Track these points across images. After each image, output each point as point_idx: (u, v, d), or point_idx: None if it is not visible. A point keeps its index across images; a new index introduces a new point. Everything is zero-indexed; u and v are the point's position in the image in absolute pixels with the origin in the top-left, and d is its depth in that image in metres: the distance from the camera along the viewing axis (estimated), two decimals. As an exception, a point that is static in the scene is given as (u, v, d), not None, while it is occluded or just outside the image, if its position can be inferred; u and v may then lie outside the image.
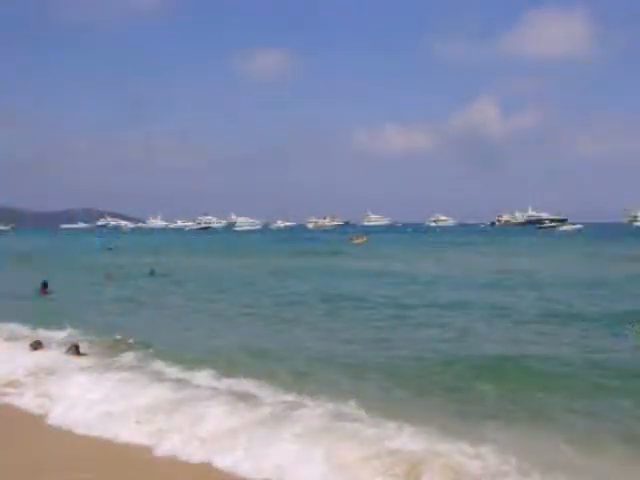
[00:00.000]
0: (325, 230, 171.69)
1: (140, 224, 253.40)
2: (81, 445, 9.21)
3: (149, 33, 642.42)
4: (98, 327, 16.82)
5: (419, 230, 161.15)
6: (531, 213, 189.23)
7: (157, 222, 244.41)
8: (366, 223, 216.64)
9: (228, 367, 12.34)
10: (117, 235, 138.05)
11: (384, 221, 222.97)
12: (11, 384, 11.99)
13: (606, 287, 27.87)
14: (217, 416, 9.25)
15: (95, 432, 9.50)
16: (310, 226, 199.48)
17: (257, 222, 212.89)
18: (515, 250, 63.15)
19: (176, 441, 8.81)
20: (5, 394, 11.54)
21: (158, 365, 12.75)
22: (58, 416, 10.24)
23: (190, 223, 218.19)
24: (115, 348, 14.66)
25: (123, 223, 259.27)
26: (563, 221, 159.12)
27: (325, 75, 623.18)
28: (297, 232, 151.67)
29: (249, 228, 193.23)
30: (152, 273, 35.93)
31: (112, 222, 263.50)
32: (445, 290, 27.60)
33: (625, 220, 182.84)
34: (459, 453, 7.57)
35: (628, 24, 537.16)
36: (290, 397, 10.26)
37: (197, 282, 32.47)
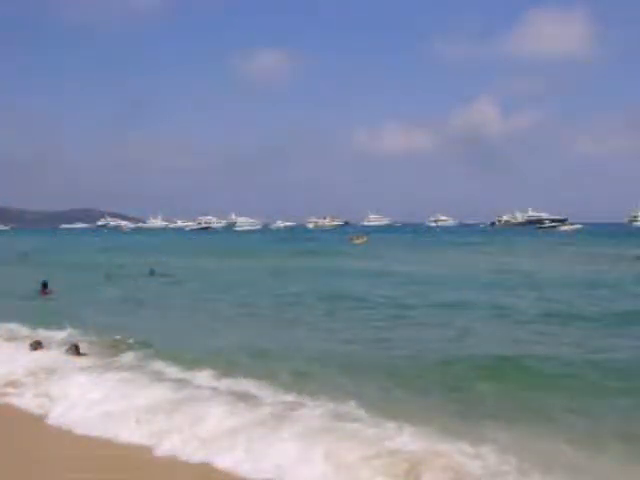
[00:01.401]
0: (325, 230, 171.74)
1: (140, 224, 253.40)
2: (81, 445, 9.21)
3: (149, 33, 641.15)
4: (98, 327, 16.80)
5: (419, 230, 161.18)
6: (531, 213, 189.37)
7: (157, 222, 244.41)
8: (366, 223, 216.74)
9: (228, 367, 12.33)
10: (116, 235, 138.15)
11: (384, 221, 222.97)
12: (11, 384, 11.98)
13: (606, 287, 27.89)
14: (217, 416, 9.24)
15: (95, 432, 9.49)
16: (310, 226, 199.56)
17: (257, 222, 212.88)
18: (515, 250, 63.17)
19: (176, 441, 8.81)
20: (5, 394, 11.54)
21: (158, 365, 12.73)
22: (58, 416, 10.24)
23: (190, 223, 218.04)
24: (115, 348, 14.66)
25: (123, 223, 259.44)
26: (563, 221, 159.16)
27: (325, 75, 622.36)
28: (297, 232, 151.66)
29: (249, 228, 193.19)
30: (152, 273, 35.92)
31: (112, 222, 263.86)
32: (445, 290, 27.60)
33: (625, 220, 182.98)
34: (459, 453, 7.57)
35: (628, 24, 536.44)
36: (290, 397, 10.25)
37: (197, 282, 32.48)
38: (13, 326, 17.51)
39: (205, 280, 33.52)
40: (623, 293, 25.99)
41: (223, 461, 8.17)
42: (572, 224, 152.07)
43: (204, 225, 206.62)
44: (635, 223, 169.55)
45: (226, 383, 11.26)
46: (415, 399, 10.69)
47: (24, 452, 8.94)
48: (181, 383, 11.17)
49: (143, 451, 8.78)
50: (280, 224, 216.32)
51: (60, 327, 16.54)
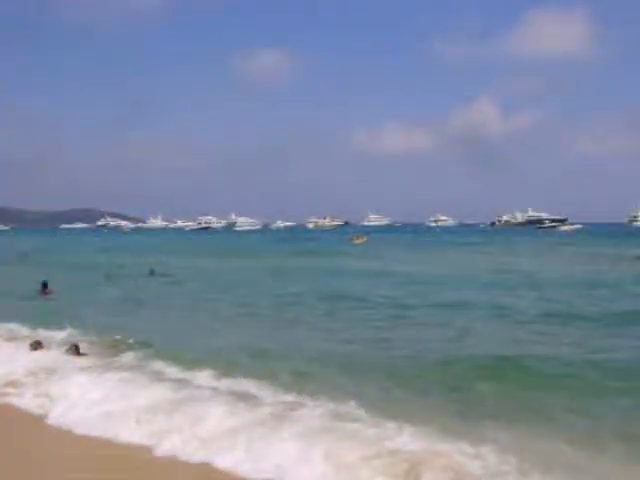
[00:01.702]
0: (325, 230, 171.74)
1: (140, 224, 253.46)
2: (81, 445, 9.21)
3: (149, 33, 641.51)
4: (98, 327, 16.81)
5: (419, 230, 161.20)
6: (531, 213, 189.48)
7: (157, 222, 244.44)
8: (366, 223, 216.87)
9: (228, 367, 12.33)
10: (116, 235, 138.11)
11: (384, 221, 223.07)
12: (11, 384, 11.98)
13: (606, 287, 27.89)
14: (217, 416, 9.25)
15: (95, 432, 9.49)
16: (310, 226, 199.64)
17: (257, 222, 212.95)
18: (515, 250, 63.17)
19: (176, 441, 8.81)
20: (5, 394, 11.54)
21: (158, 365, 12.73)
22: (58, 416, 10.24)
23: (190, 223, 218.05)
24: (115, 348, 14.66)
25: (123, 223, 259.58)
26: (563, 221, 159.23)
27: (325, 75, 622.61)
28: (297, 232, 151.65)
29: (249, 228, 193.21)
30: (152, 273, 35.91)
31: (112, 222, 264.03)
32: (445, 290, 27.60)
33: (625, 220, 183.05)
34: (459, 453, 7.57)
35: (628, 24, 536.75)
36: (290, 397, 10.25)
37: (197, 282, 32.47)
38: (13, 326, 17.51)
39: (205, 280, 33.51)
40: (623, 293, 25.99)
41: (223, 461, 8.17)
42: (572, 224, 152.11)
43: (204, 225, 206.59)
44: (635, 223, 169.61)
45: (226, 383, 11.25)
46: (415, 399, 10.69)
47: (24, 452, 8.94)
48: (181, 383, 11.17)
49: (143, 451, 8.78)
50: (280, 224, 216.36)
51: (60, 327, 16.54)
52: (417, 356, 14.03)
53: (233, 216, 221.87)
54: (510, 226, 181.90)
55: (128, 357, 13.63)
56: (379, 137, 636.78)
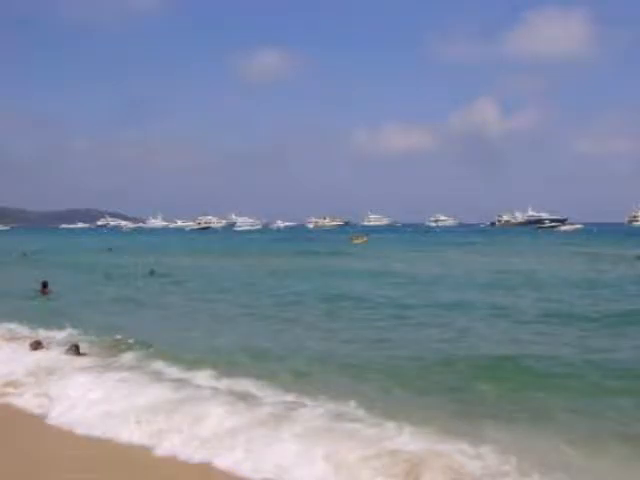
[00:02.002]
0: (325, 230, 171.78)
1: (140, 224, 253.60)
2: (81, 445, 9.20)
3: (149, 33, 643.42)
4: (98, 327, 16.80)
5: (419, 230, 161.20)
6: (531, 213, 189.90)
7: (157, 222, 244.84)
8: (366, 223, 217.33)
9: (228, 367, 12.33)
10: (116, 235, 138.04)
11: (384, 221, 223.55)
12: (11, 384, 11.97)
13: (606, 287, 27.88)
14: (217, 416, 9.24)
15: (95, 432, 9.48)
16: (310, 226, 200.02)
17: (257, 222, 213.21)
18: (515, 250, 63.13)
19: (176, 441, 8.80)
20: (5, 394, 11.53)
21: (158, 365, 12.72)
22: (58, 416, 10.23)
23: (190, 223, 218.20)
24: (115, 348, 14.64)
25: (123, 223, 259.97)
26: (563, 221, 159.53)
27: (325, 75, 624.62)
28: (297, 232, 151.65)
29: (249, 228, 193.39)
30: (152, 273, 35.91)
31: (112, 222, 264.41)
32: (445, 290, 27.58)
33: (625, 220, 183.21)
34: (459, 453, 7.57)
35: (628, 24, 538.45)
36: (290, 397, 10.26)
37: (197, 282, 32.44)
38: (13, 326, 17.52)
39: (205, 280, 33.47)
40: (623, 293, 25.96)
41: (223, 461, 8.16)
42: (572, 224, 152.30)
43: (204, 225, 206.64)
44: (635, 223, 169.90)
45: (226, 383, 11.25)
46: (415, 399, 10.69)
47: (24, 452, 8.93)
48: (181, 383, 11.16)
49: (143, 451, 8.78)
50: (280, 224, 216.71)
51: (60, 327, 16.55)
52: (417, 356, 14.01)
53: (233, 216, 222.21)
54: (510, 226, 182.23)
55: (128, 357, 13.62)
56: (379, 137, 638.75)
